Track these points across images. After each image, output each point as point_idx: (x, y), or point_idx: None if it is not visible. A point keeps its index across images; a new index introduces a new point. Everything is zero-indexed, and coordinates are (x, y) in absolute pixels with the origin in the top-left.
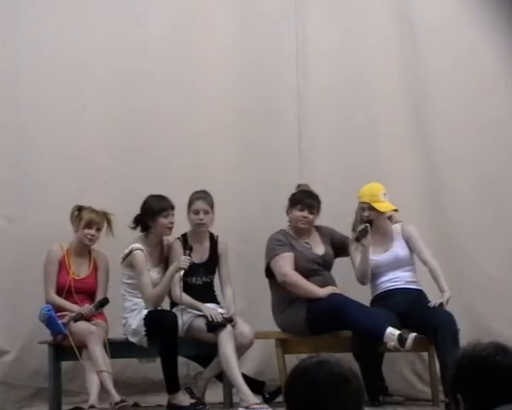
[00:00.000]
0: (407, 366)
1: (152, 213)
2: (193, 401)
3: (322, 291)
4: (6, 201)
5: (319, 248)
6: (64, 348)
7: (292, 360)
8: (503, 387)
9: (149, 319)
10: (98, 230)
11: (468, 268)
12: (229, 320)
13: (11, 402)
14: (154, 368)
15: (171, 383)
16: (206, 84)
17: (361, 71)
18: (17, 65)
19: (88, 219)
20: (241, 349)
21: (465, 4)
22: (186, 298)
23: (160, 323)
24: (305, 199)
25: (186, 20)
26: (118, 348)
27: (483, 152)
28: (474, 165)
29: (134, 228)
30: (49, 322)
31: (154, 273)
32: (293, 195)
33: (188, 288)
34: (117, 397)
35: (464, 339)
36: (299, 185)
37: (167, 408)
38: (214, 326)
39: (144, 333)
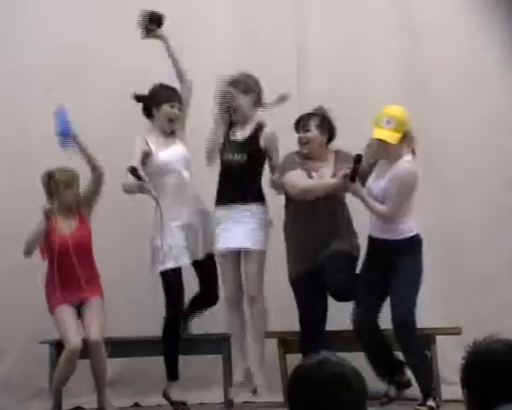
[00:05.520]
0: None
1: (157, 100)
2: (182, 400)
3: (333, 180)
4: (6, 201)
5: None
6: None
7: (293, 359)
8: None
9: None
10: (78, 186)
11: (467, 268)
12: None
13: (11, 402)
14: (154, 368)
15: (169, 369)
16: (205, 86)
17: (361, 74)
18: (17, 66)
19: (66, 180)
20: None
21: (466, 5)
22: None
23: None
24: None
25: (186, 21)
26: (117, 348)
27: (483, 151)
28: (474, 164)
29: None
30: (59, 119)
31: (164, 154)
32: None
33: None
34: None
35: (465, 339)
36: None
37: (163, 395)
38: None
39: None
